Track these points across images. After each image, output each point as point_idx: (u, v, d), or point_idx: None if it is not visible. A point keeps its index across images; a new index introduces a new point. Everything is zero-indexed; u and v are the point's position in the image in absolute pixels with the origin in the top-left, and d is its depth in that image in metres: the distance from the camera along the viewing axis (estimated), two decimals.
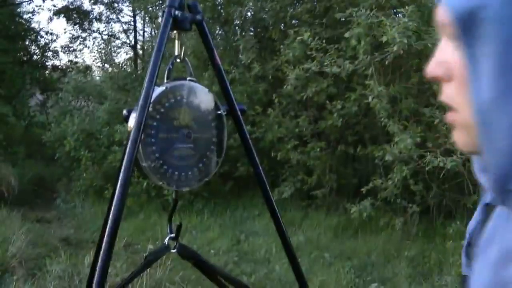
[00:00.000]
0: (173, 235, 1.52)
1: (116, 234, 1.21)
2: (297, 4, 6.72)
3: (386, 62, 4.89)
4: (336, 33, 5.87)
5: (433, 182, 5.41)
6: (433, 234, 5.50)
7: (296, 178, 6.54)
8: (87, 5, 11.50)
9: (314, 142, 6.38)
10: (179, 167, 1.38)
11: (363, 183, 5.50)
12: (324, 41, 5.46)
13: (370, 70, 5.01)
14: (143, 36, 12.05)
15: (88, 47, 13.72)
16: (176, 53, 1.45)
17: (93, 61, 14.29)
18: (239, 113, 1.46)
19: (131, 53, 12.06)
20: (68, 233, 6.28)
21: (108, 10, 11.50)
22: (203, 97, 1.43)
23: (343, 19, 5.39)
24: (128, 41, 12.17)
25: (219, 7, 7.84)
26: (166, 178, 1.37)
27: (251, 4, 7.33)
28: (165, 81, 1.41)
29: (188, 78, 1.44)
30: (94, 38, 12.30)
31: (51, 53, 12.21)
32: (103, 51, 12.07)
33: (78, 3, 11.53)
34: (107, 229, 1.21)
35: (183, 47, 1.44)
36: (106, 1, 11.18)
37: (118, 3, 11.65)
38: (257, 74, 6.95)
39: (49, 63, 12.25)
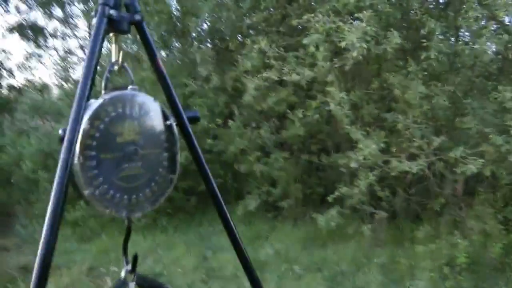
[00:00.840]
0: (129, 267, 1.33)
1: (46, 274, 1.02)
2: (253, 13, 6.62)
3: (346, 68, 4.82)
4: (293, 40, 5.79)
5: (399, 187, 5.38)
6: (402, 239, 5.45)
7: (261, 189, 6.45)
8: (41, 21, 11.19)
9: (277, 152, 6.29)
10: (128, 190, 1.21)
11: (329, 191, 5.40)
12: (282, 49, 5.38)
13: (330, 76, 4.94)
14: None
15: (44, 64, 13.55)
16: (113, 59, 1.28)
17: (50, 78, 13.98)
18: (186, 120, 1.30)
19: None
20: (28, 260, 6.00)
21: (63, 25, 11.22)
22: (149, 107, 1.26)
23: (300, 26, 5.31)
24: (84, 57, 11.80)
25: (175, 20, 7.68)
26: (114, 205, 1.19)
27: (206, 15, 7.20)
28: (103, 92, 1.23)
29: (129, 87, 1.26)
30: (50, 55, 12.00)
31: (5, 71, 11.82)
32: (60, 68, 11.74)
33: (32, 19, 11.21)
34: (34, 270, 1.01)
35: (121, 52, 1.26)
36: (60, 17, 10.89)
37: (72, 18, 11.37)
38: (216, 85, 6.86)
39: (4, 82, 11.84)
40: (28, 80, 11.92)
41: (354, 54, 4.43)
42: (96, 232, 6.83)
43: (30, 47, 11.65)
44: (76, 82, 10.95)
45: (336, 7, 4.90)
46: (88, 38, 11.75)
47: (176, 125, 1.29)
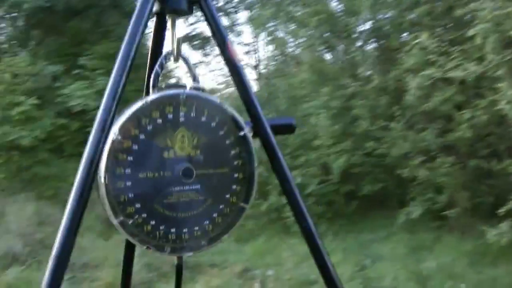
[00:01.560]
0: None
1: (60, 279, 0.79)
2: (414, 8, 6.17)
3: None
4: (459, 33, 5.26)
5: None
6: None
7: (425, 197, 5.96)
8: (207, 31, 11.70)
9: (442, 156, 5.76)
10: (176, 222, 0.92)
11: (500, 201, 4.78)
12: (445, 43, 4.90)
13: (501, 71, 4.37)
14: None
15: (212, 71, 14.23)
16: (168, 49, 1.00)
17: (217, 84, 14.68)
18: (268, 131, 0.96)
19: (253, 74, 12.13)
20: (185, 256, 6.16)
21: (230, 32, 11.69)
22: (214, 112, 0.95)
23: (467, 17, 4.80)
24: (250, 62, 12.28)
25: (335, 20, 7.49)
26: (155, 239, 0.91)
27: (367, 13, 6.89)
28: (151, 90, 0.95)
29: (191, 86, 0.96)
30: (217, 62, 12.59)
31: (174, 79, 12.65)
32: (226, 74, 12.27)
33: (198, 30, 11.90)
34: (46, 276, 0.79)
35: (179, 39, 0.97)
36: (226, 24, 11.35)
37: (238, 25, 11.79)
38: (377, 86, 6.53)
39: None
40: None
41: None
42: (254, 234, 6.86)
43: (198, 56, 12.32)
44: None
45: None
46: (254, 44, 12.11)
47: (256, 137, 0.99)
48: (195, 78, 0.97)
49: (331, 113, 6.92)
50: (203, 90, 0.97)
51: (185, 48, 12.21)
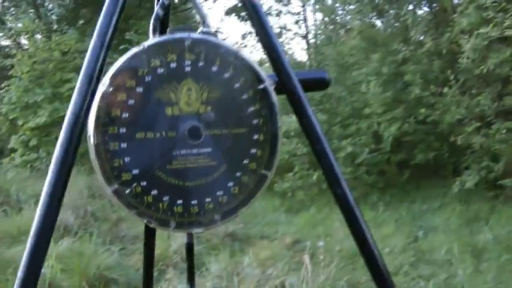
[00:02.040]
0: None
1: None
2: None
3: None
4: None
5: None
6: None
7: (480, 165, 5.72)
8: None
9: (499, 122, 5.48)
10: (184, 192, 0.77)
11: None
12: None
13: None
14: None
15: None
16: None
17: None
18: (297, 84, 0.79)
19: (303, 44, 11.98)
20: (235, 227, 6.17)
21: (277, 3, 11.53)
22: (228, 61, 0.79)
23: None
24: (300, 32, 12.11)
25: None
26: (158, 212, 0.76)
27: None
28: (150, 35, 0.80)
29: (200, 30, 0.80)
30: None
31: None
32: None
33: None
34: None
35: None
36: None
37: None
38: (430, 50, 6.26)
39: None
40: None
41: None
42: (304, 204, 6.78)
43: (246, 27, 12.20)
44: (290, 56, 11.12)
45: None
46: (302, 13, 11.86)
47: (281, 91, 0.80)
48: (204, 21, 0.81)
49: (382, 80, 6.71)
50: (214, 34, 0.81)
51: (234, 20, 12.08)
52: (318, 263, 4.14)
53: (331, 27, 9.85)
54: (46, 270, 3.62)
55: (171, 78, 0.76)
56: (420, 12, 7.26)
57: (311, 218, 6.24)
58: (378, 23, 8.22)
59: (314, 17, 12.12)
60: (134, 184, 0.74)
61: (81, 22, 10.80)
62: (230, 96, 0.78)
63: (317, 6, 10.38)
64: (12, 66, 8.74)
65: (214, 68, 0.77)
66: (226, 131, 0.79)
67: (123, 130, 0.73)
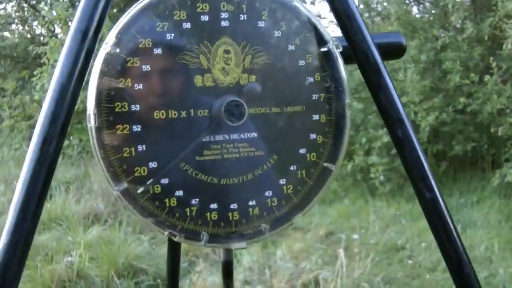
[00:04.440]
0: None
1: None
2: None
3: None
4: None
5: None
6: None
7: None
8: None
9: None
10: (219, 193, 0.57)
11: None
12: None
13: None
14: None
15: None
16: None
17: None
18: (375, 52, 0.58)
19: None
20: None
21: None
22: (279, 15, 0.58)
23: None
24: (335, 20, 11.90)
25: None
26: (184, 221, 0.56)
27: None
28: None
29: None
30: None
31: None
32: None
33: None
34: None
35: None
36: None
37: None
38: (471, 36, 6.01)
39: None
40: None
41: None
42: (338, 195, 6.61)
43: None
44: None
45: None
46: None
47: (347, 58, 0.61)
48: None
49: (419, 67, 6.48)
50: None
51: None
52: (353, 257, 4.02)
53: (367, 14, 9.62)
54: (75, 258, 3.56)
55: (201, 35, 0.56)
56: None
57: (345, 209, 6.07)
58: (415, 9, 8.01)
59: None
60: (150, 182, 0.55)
61: (114, 10, 10.77)
62: (282, 62, 0.59)
63: None
64: (45, 53, 8.73)
65: (261, 24, 0.58)
66: (276, 110, 0.59)
67: (135, 107, 0.54)
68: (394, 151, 6.31)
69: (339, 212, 6.00)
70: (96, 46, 0.52)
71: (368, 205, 5.94)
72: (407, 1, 7.70)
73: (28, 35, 11.98)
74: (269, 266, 4.16)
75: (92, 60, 0.52)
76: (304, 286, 3.69)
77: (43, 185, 0.48)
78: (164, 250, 4.20)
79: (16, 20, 12.01)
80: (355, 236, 4.91)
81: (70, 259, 3.52)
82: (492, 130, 5.66)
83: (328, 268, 3.87)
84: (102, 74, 0.54)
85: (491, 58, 5.64)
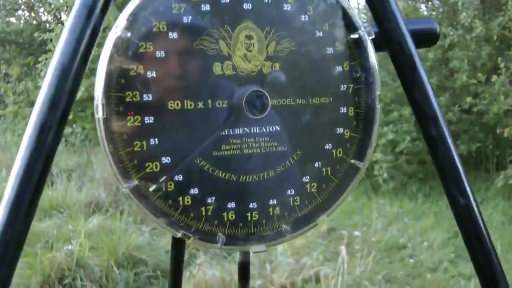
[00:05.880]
0: None
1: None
2: None
3: None
4: None
5: None
6: None
7: None
8: None
9: None
10: (237, 191, 0.53)
11: None
12: None
13: None
14: None
15: None
16: None
17: None
18: (409, 39, 0.55)
19: None
20: None
21: None
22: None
23: None
24: None
25: None
26: (199, 221, 0.52)
27: None
28: None
29: None
30: None
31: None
32: None
33: None
34: None
35: None
36: None
37: None
38: (479, 35, 5.95)
39: None
40: None
41: None
42: None
43: None
44: None
45: None
46: None
47: (378, 46, 0.56)
48: None
49: (426, 65, 6.42)
50: None
51: None
52: (354, 254, 3.99)
53: None
54: (75, 247, 3.54)
55: (221, 19, 0.51)
56: None
57: (348, 206, 6.03)
58: (423, 7, 7.94)
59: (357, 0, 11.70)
60: (164, 179, 0.51)
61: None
62: (309, 50, 0.54)
63: None
64: (51, 40, 8.70)
65: (287, 6, 0.53)
66: (301, 102, 0.55)
67: (148, 96, 0.49)
68: (398, 148, 6.28)
69: (342, 208, 5.93)
70: (103, 26, 0.48)
71: (370, 202, 5.91)
72: None
73: (34, 22, 11.93)
74: (270, 261, 4.13)
75: (98, 45, 0.48)
76: (305, 282, 3.66)
77: (38, 181, 0.43)
78: (164, 241, 4.18)
79: (22, 6, 11.95)
80: (357, 233, 4.89)
81: (70, 247, 3.50)
82: (498, 131, 5.62)
83: (329, 265, 3.84)
84: (112, 60, 0.49)
85: (499, 59, 5.59)
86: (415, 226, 5.27)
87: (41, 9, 12.03)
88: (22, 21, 11.85)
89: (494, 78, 5.64)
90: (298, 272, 3.80)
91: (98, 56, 0.48)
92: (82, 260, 3.48)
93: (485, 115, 5.88)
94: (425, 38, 0.63)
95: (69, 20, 0.45)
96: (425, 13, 7.67)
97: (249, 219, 0.54)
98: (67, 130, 8.18)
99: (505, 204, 5.40)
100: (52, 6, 9.98)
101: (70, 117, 6.68)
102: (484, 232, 0.53)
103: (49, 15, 11.62)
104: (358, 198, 6.29)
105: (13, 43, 11.17)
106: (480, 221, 0.54)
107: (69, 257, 3.42)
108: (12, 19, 11.91)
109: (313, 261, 4.13)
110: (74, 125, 8.16)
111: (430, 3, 7.75)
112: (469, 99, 5.92)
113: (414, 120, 6.56)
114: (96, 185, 5.35)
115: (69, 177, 5.64)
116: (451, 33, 6.25)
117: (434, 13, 7.47)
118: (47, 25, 11.39)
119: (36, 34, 9.51)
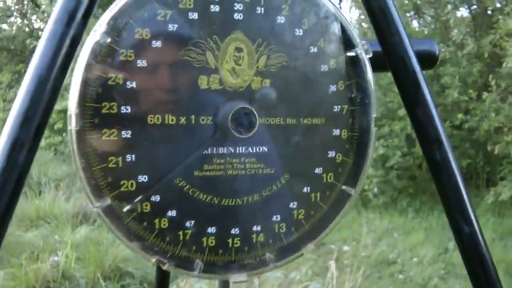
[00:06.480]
0: None
1: None
2: None
3: None
4: None
5: None
6: None
7: None
8: None
9: None
10: (219, 215, 0.50)
11: None
12: None
13: None
14: None
15: None
16: None
17: None
18: (414, 59, 0.52)
19: None
20: None
21: None
22: (301, 10, 0.50)
23: None
24: None
25: None
26: (176, 246, 0.49)
27: None
28: None
29: None
30: None
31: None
32: None
33: None
34: None
35: None
36: None
37: None
38: (471, 52, 5.98)
39: None
40: None
41: None
42: None
43: None
44: None
45: None
46: None
47: (377, 65, 0.55)
48: None
49: None
50: None
51: None
52: (343, 269, 3.97)
53: (366, 25, 9.62)
54: (61, 258, 3.49)
55: (210, 28, 0.47)
56: (458, 13, 7.03)
57: None
58: (415, 23, 7.99)
59: (349, 15, 11.77)
60: (140, 199, 0.47)
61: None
62: (302, 66, 0.50)
63: (352, 3, 10.15)
64: None
65: (281, 19, 0.49)
66: (292, 122, 0.51)
67: (126, 109, 0.45)
68: (389, 163, 6.28)
69: None
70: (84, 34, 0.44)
71: (360, 217, 5.89)
72: (407, 14, 7.67)
73: (27, 29, 11.88)
74: (258, 276, 4.11)
75: (78, 51, 0.44)
76: None
77: (7, 204, 0.39)
78: None
79: (15, 13, 11.92)
80: (347, 248, 4.86)
81: (56, 258, 3.45)
82: (489, 147, 5.63)
83: (318, 280, 3.81)
84: (89, 67, 0.45)
85: (490, 76, 5.62)
86: (405, 241, 5.26)
87: (34, 17, 11.99)
88: (14, 28, 11.80)
89: (485, 95, 5.66)
90: (286, 287, 3.77)
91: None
92: (68, 271, 3.43)
93: (476, 131, 5.89)
94: (425, 60, 0.61)
95: (47, 26, 0.42)
96: (417, 29, 7.71)
97: (230, 245, 0.51)
98: (56, 139, 8.13)
99: (495, 221, 5.40)
100: (45, 14, 9.96)
101: (60, 125, 6.63)
102: (490, 262, 0.50)
103: (42, 23, 11.58)
104: (348, 213, 6.26)
105: (5, 49, 11.11)
106: (485, 251, 0.51)
107: (54, 268, 3.37)
108: (4, 26, 11.85)
109: (302, 276, 4.10)
110: (64, 134, 8.10)
111: (422, 19, 7.79)
112: (460, 115, 5.94)
113: (405, 134, 6.60)
114: (84, 195, 5.29)
115: (57, 186, 5.59)
116: (443, 49, 6.28)
117: (426, 29, 7.52)
118: (40, 32, 11.35)
119: (28, 41, 9.47)
